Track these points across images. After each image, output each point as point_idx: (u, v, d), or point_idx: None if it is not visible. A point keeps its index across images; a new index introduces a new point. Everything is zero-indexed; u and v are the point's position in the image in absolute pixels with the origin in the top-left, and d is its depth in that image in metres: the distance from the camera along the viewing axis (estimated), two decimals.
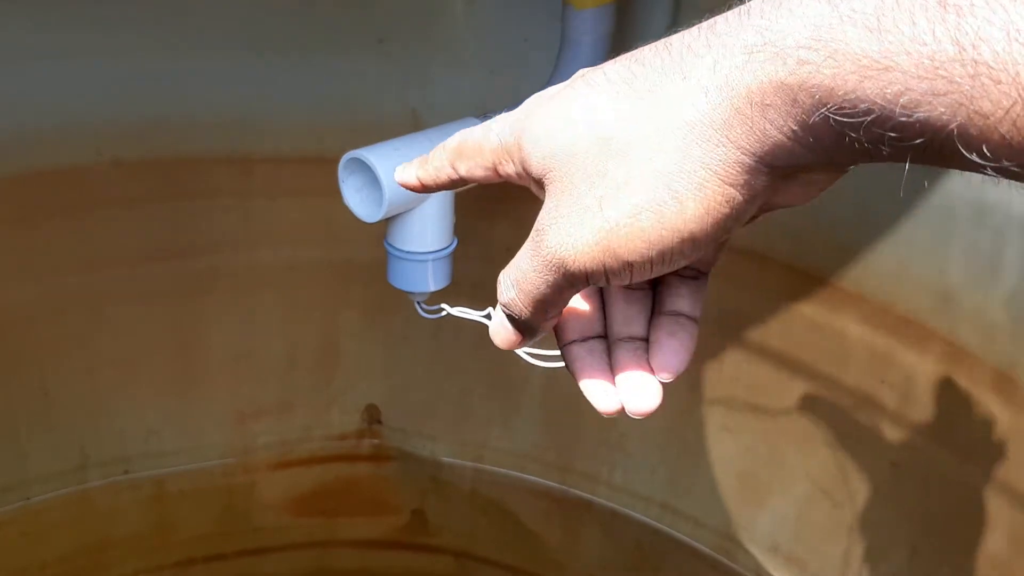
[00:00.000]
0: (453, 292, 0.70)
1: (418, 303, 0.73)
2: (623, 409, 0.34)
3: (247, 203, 0.92)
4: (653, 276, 0.30)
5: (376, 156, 0.64)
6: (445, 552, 1.12)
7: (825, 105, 0.24)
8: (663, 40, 0.29)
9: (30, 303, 0.88)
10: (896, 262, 0.78)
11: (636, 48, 0.30)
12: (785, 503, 0.92)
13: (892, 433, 0.83)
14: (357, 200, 0.67)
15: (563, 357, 0.36)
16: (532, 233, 0.32)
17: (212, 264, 0.93)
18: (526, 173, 0.32)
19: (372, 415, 1.06)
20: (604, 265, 0.30)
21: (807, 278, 0.84)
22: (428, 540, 1.11)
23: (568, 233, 0.30)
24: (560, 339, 0.36)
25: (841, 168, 0.28)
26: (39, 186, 0.84)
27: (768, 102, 0.26)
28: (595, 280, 0.31)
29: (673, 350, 0.34)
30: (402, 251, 0.70)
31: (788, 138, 0.26)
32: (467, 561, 1.11)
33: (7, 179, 0.82)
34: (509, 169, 0.34)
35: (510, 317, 0.35)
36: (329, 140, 0.88)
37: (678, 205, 0.28)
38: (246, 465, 1.04)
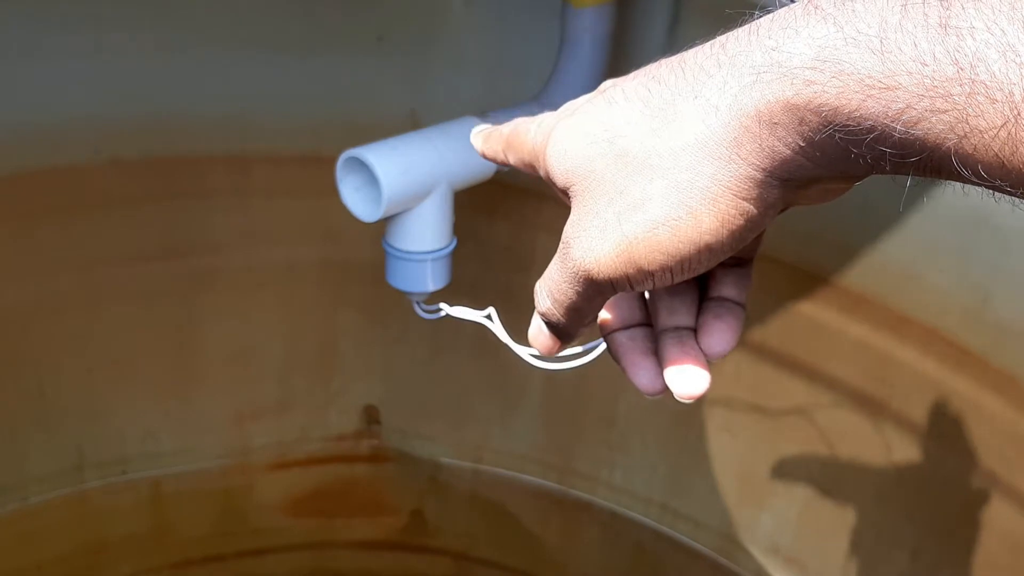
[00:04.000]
0: (452, 292, 0.69)
1: (417, 303, 0.72)
2: (666, 389, 0.35)
3: (246, 203, 0.92)
4: (676, 282, 0.31)
5: (374, 155, 0.64)
6: (444, 553, 1.11)
7: (831, 123, 0.25)
8: (679, 56, 0.30)
9: (29, 303, 0.88)
10: (897, 262, 0.78)
11: (648, 64, 0.32)
12: (785, 503, 0.92)
13: (892, 433, 0.83)
14: (356, 199, 0.67)
15: (607, 345, 0.37)
16: (560, 245, 0.33)
17: (211, 264, 0.93)
18: (551, 182, 0.34)
19: (371, 416, 1.06)
20: (626, 275, 0.31)
21: (808, 278, 0.84)
22: (427, 541, 1.11)
23: (590, 247, 0.31)
24: (603, 329, 0.37)
25: (854, 178, 0.29)
26: (38, 186, 0.84)
27: (776, 120, 0.27)
28: (620, 288, 0.32)
29: (720, 331, 0.35)
30: (401, 251, 0.70)
31: (796, 153, 0.27)
32: (466, 562, 1.11)
33: (6, 179, 0.82)
34: (540, 173, 0.35)
35: (548, 324, 0.36)
36: (328, 140, 0.88)
37: (693, 220, 0.29)
38: (244, 466, 1.04)
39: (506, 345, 0.48)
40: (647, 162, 0.29)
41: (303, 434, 1.05)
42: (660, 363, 0.35)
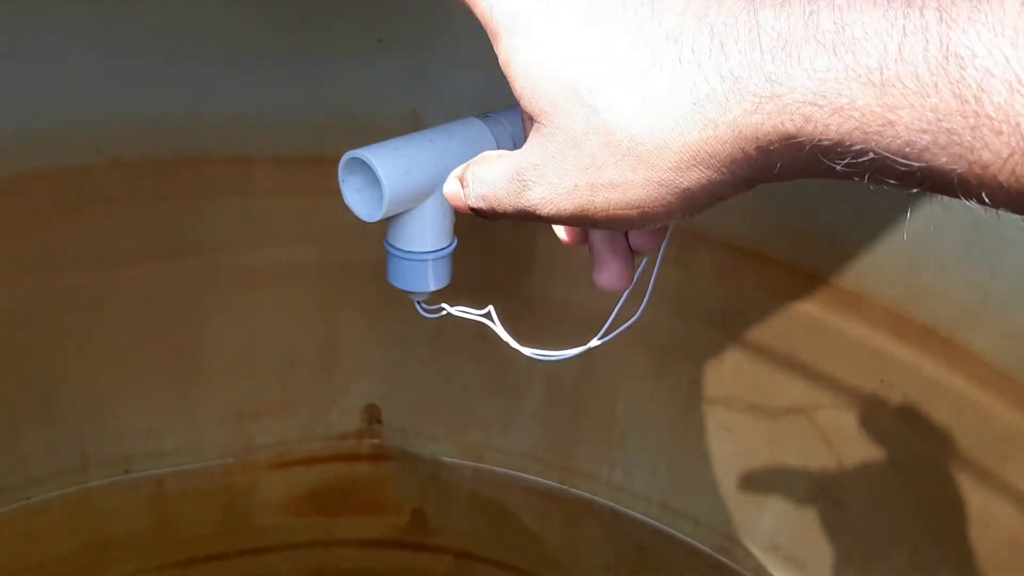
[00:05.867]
0: (453, 292, 0.70)
1: (418, 303, 0.73)
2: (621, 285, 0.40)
3: (247, 203, 0.92)
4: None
5: (376, 156, 0.64)
6: (445, 552, 1.12)
7: (828, 156, 0.26)
8: (675, 34, 0.29)
9: (31, 303, 0.88)
10: (896, 262, 0.78)
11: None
12: (784, 502, 0.92)
13: (892, 433, 0.83)
14: (357, 200, 0.67)
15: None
16: (513, 173, 0.34)
17: (212, 264, 0.93)
18: (511, 88, 0.33)
19: (372, 415, 1.06)
20: (574, 223, 0.33)
21: (807, 278, 0.84)
22: (428, 540, 1.11)
23: (551, 199, 0.33)
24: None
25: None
26: (39, 186, 0.84)
27: (773, 148, 0.27)
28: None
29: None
30: (402, 251, 0.70)
31: (788, 174, 0.28)
32: (467, 561, 1.11)
33: (7, 179, 0.82)
34: (496, 48, 0.34)
35: (471, 209, 0.38)
36: (329, 140, 0.88)
37: (665, 211, 0.30)
38: (246, 465, 1.04)
39: (507, 343, 0.48)
40: (632, 151, 0.29)
41: (305, 433, 1.05)
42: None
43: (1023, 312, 0.73)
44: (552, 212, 0.33)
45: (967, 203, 0.24)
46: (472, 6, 0.34)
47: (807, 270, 0.84)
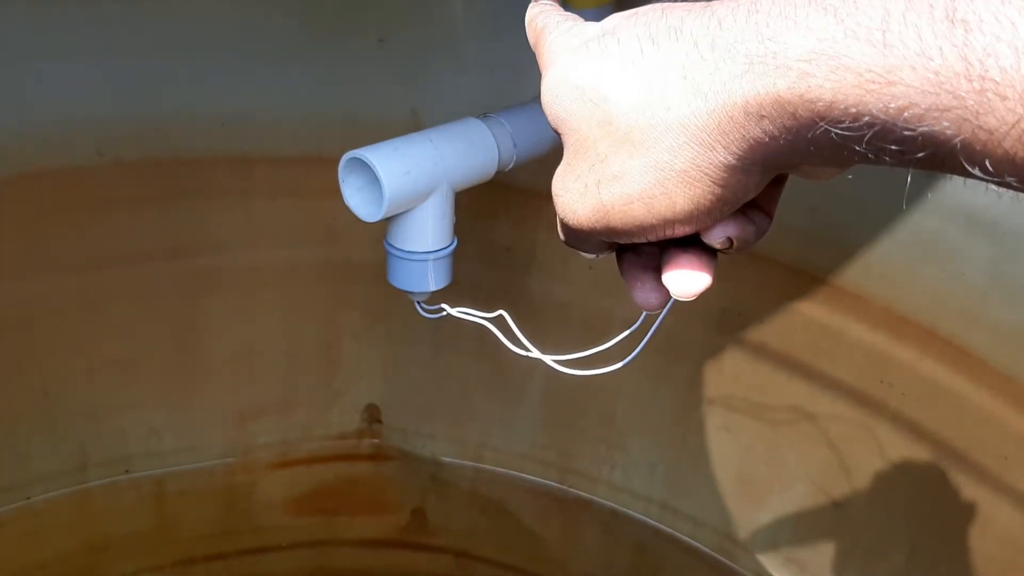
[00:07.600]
0: (453, 292, 0.70)
1: (418, 303, 0.73)
2: (658, 304, 0.36)
3: (247, 203, 0.92)
4: (655, 241, 0.32)
5: (376, 156, 0.64)
6: (445, 552, 1.12)
7: (825, 118, 0.25)
8: (679, 15, 0.29)
9: (32, 303, 0.88)
10: (896, 262, 0.78)
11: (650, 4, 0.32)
12: (785, 503, 0.92)
13: (892, 433, 0.83)
14: (357, 200, 0.67)
15: (618, 264, 0.38)
16: (553, 192, 0.35)
17: (212, 264, 0.93)
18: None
19: (372, 415, 1.06)
20: (603, 233, 0.33)
21: (807, 278, 0.84)
22: (428, 540, 1.11)
23: (571, 207, 0.33)
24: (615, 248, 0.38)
25: (849, 164, 0.29)
26: (39, 186, 0.84)
27: (763, 113, 0.26)
28: (602, 239, 0.34)
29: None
30: (402, 251, 0.70)
31: (783, 146, 0.27)
32: (467, 561, 1.11)
33: (7, 179, 0.83)
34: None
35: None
36: (329, 140, 0.88)
37: (668, 200, 0.30)
38: (246, 465, 1.04)
39: (520, 348, 0.48)
40: (629, 136, 0.30)
41: (305, 433, 1.05)
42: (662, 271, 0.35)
43: (1023, 312, 0.73)
44: (574, 222, 0.33)
45: (969, 175, 0.24)
46: (538, 58, 0.38)
47: (807, 270, 0.84)
